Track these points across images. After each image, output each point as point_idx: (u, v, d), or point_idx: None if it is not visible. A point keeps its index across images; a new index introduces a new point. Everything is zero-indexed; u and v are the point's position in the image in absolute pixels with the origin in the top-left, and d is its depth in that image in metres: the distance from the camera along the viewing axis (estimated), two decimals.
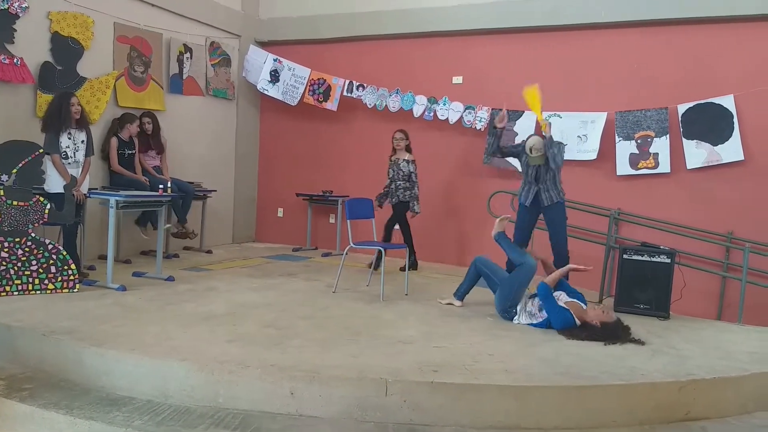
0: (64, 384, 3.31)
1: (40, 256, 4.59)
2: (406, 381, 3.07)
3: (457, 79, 7.19)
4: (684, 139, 6.14)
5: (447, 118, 7.04)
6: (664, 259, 4.92)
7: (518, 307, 4.41)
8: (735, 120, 5.94)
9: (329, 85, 7.55)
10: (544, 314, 4.26)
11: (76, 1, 5.89)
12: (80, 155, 5.16)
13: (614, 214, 6.21)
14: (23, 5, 5.40)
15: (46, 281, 4.62)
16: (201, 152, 7.52)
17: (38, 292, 4.58)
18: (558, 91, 6.66)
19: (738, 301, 5.48)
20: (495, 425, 3.05)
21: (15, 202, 4.51)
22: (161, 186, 5.55)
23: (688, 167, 6.14)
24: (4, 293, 4.44)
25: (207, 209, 7.23)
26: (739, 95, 5.93)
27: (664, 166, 6.20)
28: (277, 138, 8.28)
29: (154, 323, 3.92)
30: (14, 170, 4.69)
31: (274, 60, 7.73)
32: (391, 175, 6.39)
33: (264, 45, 8.09)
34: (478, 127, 6.89)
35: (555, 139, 5.02)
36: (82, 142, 5.18)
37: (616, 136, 6.35)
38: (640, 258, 4.98)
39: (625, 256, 5.04)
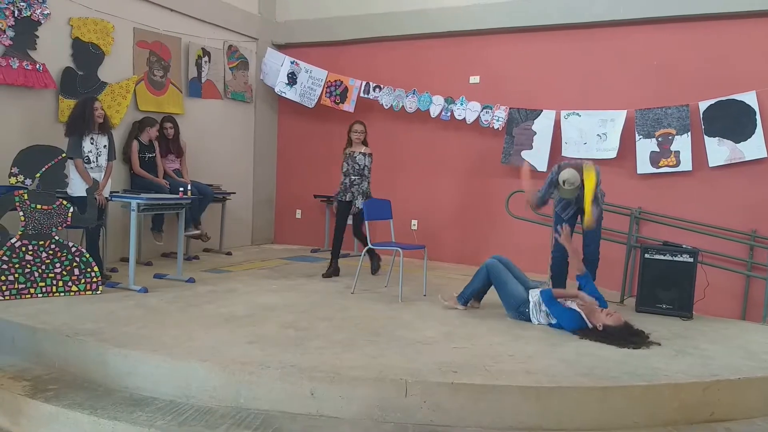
0: (87, 385, 3.36)
1: (63, 258, 4.66)
2: (426, 382, 3.07)
3: (474, 79, 7.16)
4: (706, 137, 6.06)
5: (464, 118, 7.02)
6: (686, 258, 4.85)
7: (530, 305, 4.37)
8: (757, 116, 5.84)
9: (346, 86, 7.57)
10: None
11: (97, 7, 5.98)
12: (102, 160, 5.23)
13: (635, 213, 6.14)
14: (45, 12, 5.49)
15: (70, 283, 4.69)
16: (220, 155, 7.58)
17: (62, 294, 4.65)
18: (577, 89, 6.62)
19: (762, 300, 5.40)
20: (516, 426, 3.03)
21: (39, 206, 4.59)
22: (181, 189, 5.61)
23: (710, 165, 6.05)
24: (29, 295, 4.52)
25: (226, 211, 7.29)
26: (762, 91, 5.83)
27: (686, 164, 6.12)
28: (295, 140, 8.32)
29: (175, 325, 3.96)
30: (38, 174, 4.78)
31: (292, 62, 7.78)
32: (346, 170, 5.95)
33: (281, 48, 8.14)
34: (495, 127, 6.86)
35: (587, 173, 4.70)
36: (105, 146, 5.25)
37: (637, 134, 6.28)
38: (662, 257, 4.92)
39: (646, 256, 4.97)
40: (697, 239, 5.81)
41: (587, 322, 4.06)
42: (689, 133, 6.09)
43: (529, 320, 4.39)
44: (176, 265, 5.63)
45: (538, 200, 4.98)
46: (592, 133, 6.43)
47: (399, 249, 5.22)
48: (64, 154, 4.94)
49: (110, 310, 4.28)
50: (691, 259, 4.84)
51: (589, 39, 6.60)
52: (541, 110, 6.66)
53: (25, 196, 4.54)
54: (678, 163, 6.15)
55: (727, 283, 5.85)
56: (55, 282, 4.63)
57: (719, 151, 6.02)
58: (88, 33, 5.90)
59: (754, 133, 5.87)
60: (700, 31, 6.13)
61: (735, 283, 5.92)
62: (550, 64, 6.76)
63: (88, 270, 4.75)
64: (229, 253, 7.19)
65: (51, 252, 4.62)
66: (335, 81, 7.63)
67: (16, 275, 4.46)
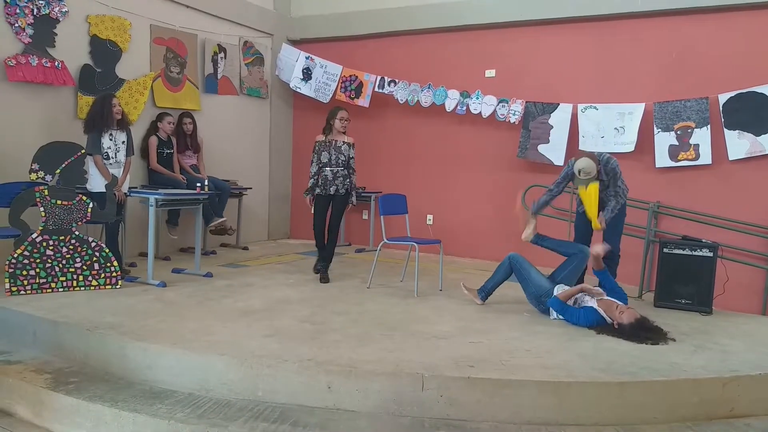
0: (108, 377, 3.41)
1: (83, 253, 4.72)
2: (442, 376, 3.07)
3: (490, 73, 7.12)
4: (725, 130, 5.97)
5: (480, 112, 6.99)
6: (706, 252, 4.80)
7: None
8: None
9: (361, 81, 7.57)
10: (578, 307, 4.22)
11: (114, 5, 6.03)
12: (121, 155, 5.28)
13: (653, 207, 6.08)
14: (63, 10, 5.55)
15: (90, 278, 4.75)
16: (236, 150, 7.62)
17: (82, 288, 4.71)
18: (594, 82, 6.56)
19: None
20: (533, 421, 3.02)
21: (59, 202, 4.64)
22: (198, 184, 5.65)
23: (730, 158, 5.97)
24: (50, 290, 4.58)
25: (243, 207, 7.33)
26: None
27: (705, 158, 6.04)
28: (310, 135, 8.21)
29: (194, 318, 4.00)
30: (58, 171, 4.84)
31: (306, 58, 7.79)
32: (327, 160, 5.35)
33: (296, 43, 8.15)
34: (512, 121, 6.82)
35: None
36: (123, 142, 5.30)
37: (655, 128, 6.21)
38: (681, 252, 4.87)
39: (665, 250, 4.92)
40: (717, 234, 5.74)
41: (606, 317, 4.04)
42: (708, 126, 6.01)
43: (548, 313, 4.38)
44: (194, 259, 5.68)
45: (540, 205, 4.92)
46: (610, 127, 6.37)
47: (414, 244, 5.21)
48: (83, 151, 5.00)
49: (130, 304, 4.33)
50: (711, 254, 4.78)
51: (606, 31, 6.53)
52: (558, 104, 6.61)
53: (46, 192, 4.60)
54: (697, 157, 6.08)
55: (747, 278, 5.77)
56: (75, 276, 4.69)
57: (739, 144, 5.93)
58: (105, 30, 5.96)
59: None
60: (719, 23, 6.04)
61: (755, 278, 5.84)
62: (566, 57, 6.70)
63: (108, 265, 4.81)
64: (245, 248, 7.24)
65: (71, 247, 4.68)
66: (350, 76, 7.63)
67: (37, 270, 4.53)
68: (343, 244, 7.88)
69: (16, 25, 5.22)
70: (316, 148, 5.44)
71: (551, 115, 6.65)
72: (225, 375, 3.22)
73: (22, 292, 4.46)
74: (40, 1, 5.36)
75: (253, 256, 6.78)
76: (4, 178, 4.96)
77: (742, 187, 5.95)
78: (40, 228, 4.58)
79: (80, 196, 4.77)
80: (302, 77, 7.81)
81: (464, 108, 7.07)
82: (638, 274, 5.58)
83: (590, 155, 4.60)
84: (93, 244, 4.77)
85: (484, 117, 6.97)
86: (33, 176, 4.82)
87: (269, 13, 7.97)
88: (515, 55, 6.97)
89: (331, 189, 5.38)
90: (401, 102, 7.41)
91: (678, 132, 6.14)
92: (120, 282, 4.86)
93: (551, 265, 4.76)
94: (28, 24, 5.29)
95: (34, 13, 5.33)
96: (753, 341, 3.98)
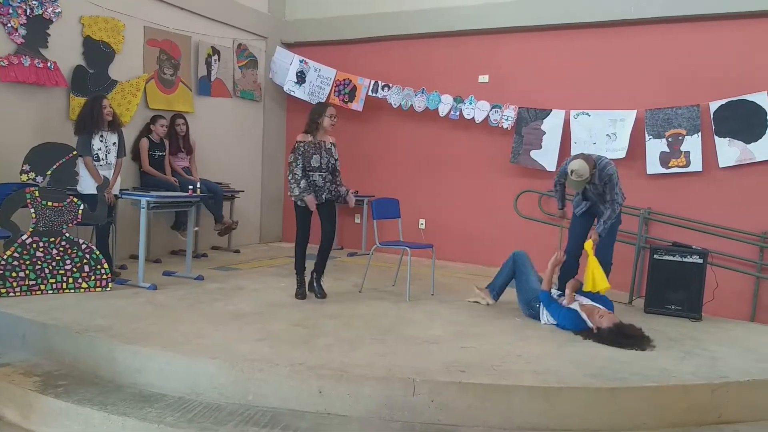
0: (97, 381, 3.38)
1: (74, 255, 4.69)
2: (433, 381, 3.07)
3: (483, 78, 7.15)
4: (716, 137, 6.02)
5: (473, 117, 7.01)
6: (696, 259, 4.83)
7: (542, 303, 4.38)
8: None
9: (355, 85, 7.58)
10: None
11: (108, 6, 6.01)
12: (112, 157, 5.26)
13: (644, 213, 6.11)
14: (56, 10, 5.52)
15: (80, 280, 4.72)
16: (229, 153, 7.61)
17: (72, 290, 4.68)
18: (586, 89, 6.60)
19: None
20: (523, 426, 3.03)
21: (50, 203, 4.62)
22: (191, 187, 5.64)
23: (721, 166, 6.02)
24: (39, 292, 4.55)
25: (235, 209, 7.31)
26: None
27: (696, 165, 6.09)
28: None
29: (184, 321, 3.99)
30: (49, 172, 4.81)
31: (300, 61, 7.79)
32: (318, 164, 4.77)
33: (290, 46, 8.15)
34: (504, 126, 6.85)
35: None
36: (114, 144, 5.28)
37: (646, 135, 6.25)
38: (671, 258, 4.90)
39: (655, 257, 4.96)
40: (707, 240, 5.78)
41: (587, 321, 4.06)
42: (699, 134, 6.06)
43: (538, 318, 4.40)
44: (185, 262, 5.65)
45: (559, 199, 5.01)
46: (602, 133, 6.41)
47: (407, 248, 5.22)
48: (75, 152, 4.97)
49: (120, 306, 4.30)
50: (701, 261, 4.81)
51: (599, 38, 6.57)
52: (551, 110, 6.64)
53: (36, 194, 4.58)
54: (688, 164, 6.12)
55: (736, 285, 5.82)
56: (65, 279, 4.66)
57: (729, 151, 5.98)
58: (99, 31, 5.94)
59: (764, 133, 5.82)
60: (711, 31, 6.10)
61: (744, 284, 5.88)
62: (559, 63, 6.74)
63: (98, 267, 4.78)
64: (237, 251, 7.22)
65: (61, 249, 4.65)
66: (344, 80, 7.64)
67: (27, 272, 4.50)
68: (336, 248, 7.86)
69: (9, 25, 5.19)
70: (302, 149, 4.76)
71: (544, 121, 6.68)
72: (215, 379, 3.20)
73: (11, 293, 4.42)
74: (34, 2, 5.33)
75: (245, 260, 6.76)
76: None
77: (731, 194, 6.00)
78: (31, 229, 4.55)
79: (71, 197, 4.75)
80: (296, 80, 7.81)
81: (457, 113, 7.09)
82: (629, 280, 5.60)
83: (586, 157, 4.53)
84: (83, 246, 4.74)
85: (477, 122, 7.00)
86: (24, 177, 4.78)
87: (263, 16, 7.97)
88: (508, 61, 7.00)
89: (323, 196, 4.88)
90: (395, 106, 7.42)
91: (669, 139, 6.18)
92: (110, 284, 4.84)
93: (542, 270, 4.76)
94: (21, 24, 5.27)
95: (27, 14, 5.31)
96: (742, 348, 4.01)
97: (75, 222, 4.74)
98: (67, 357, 3.63)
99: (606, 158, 4.70)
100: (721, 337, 4.25)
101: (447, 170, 7.39)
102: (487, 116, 6.94)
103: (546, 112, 6.67)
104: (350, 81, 7.60)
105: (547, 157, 6.64)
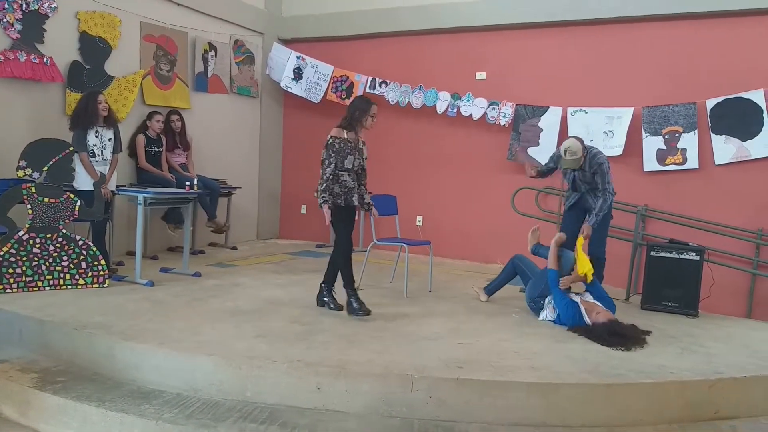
0: (95, 377, 3.38)
1: (71, 251, 4.68)
2: (431, 377, 3.08)
3: (481, 75, 7.15)
4: (712, 135, 6.04)
5: (471, 114, 7.01)
6: (692, 256, 4.85)
7: (546, 300, 4.40)
8: (764, 115, 5.80)
9: (352, 82, 7.57)
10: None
11: (104, 1, 5.98)
12: (108, 153, 5.24)
13: (641, 210, 6.13)
14: (53, 5, 5.49)
15: (77, 276, 4.71)
16: (226, 149, 7.59)
17: (69, 287, 4.67)
18: (583, 86, 6.60)
19: None
20: (521, 422, 3.04)
21: (46, 199, 4.60)
22: (188, 183, 5.63)
23: (717, 163, 6.04)
24: (36, 288, 4.54)
25: (232, 206, 7.30)
26: None
27: (692, 162, 6.11)
28: (301, 135, 8.32)
29: (182, 318, 3.98)
30: (45, 168, 4.79)
31: (297, 57, 7.77)
32: (351, 165, 4.40)
33: (287, 42, 8.13)
34: (502, 123, 6.85)
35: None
36: (110, 139, 5.26)
37: (643, 132, 6.26)
38: (668, 255, 4.92)
39: (652, 254, 4.97)
40: (703, 237, 5.80)
41: (585, 318, 4.07)
42: (696, 131, 6.08)
43: (537, 313, 4.41)
44: (182, 259, 5.65)
45: (541, 170, 5.11)
46: (599, 130, 6.42)
47: (404, 245, 5.22)
48: (71, 148, 4.96)
49: (117, 303, 4.30)
50: (698, 257, 4.83)
51: (596, 36, 6.57)
52: (548, 107, 6.65)
53: (33, 190, 4.56)
54: (684, 161, 6.14)
55: (733, 282, 5.84)
56: (62, 275, 4.65)
57: (726, 149, 6.00)
58: (95, 27, 5.91)
59: (761, 131, 5.84)
60: (707, 29, 6.10)
61: (741, 281, 5.91)
62: (557, 60, 6.74)
63: (95, 263, 4.77)
64: (234, 248, 7.21)
65: (58, 245, 4.64)
66: (341, 76, 7.63)
67: (24, 268, 4.49)
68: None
69: (5, 20, 5.16)
70: (337, 146, 4.35)
71: (541, 118, 6.69)
72: (213, 375, 3.20)
73: (8, 290, 4.41)
74: None
75: (242, 256, 6.76)
76: None
77: (728, 191, 6.02)
78: (27, 226, 4.53)
79: (68, 193, 4.74)
80: (293, 77, 7.79)
81: (455, 110, 7.09)
82: (625, 277, 5.62)
83: (579, 138, 4.68)
84: (80, 243, 4.73)
85: (475, 119, 7.00)
86: (20, 173, 4.77)
87: (260, 12, 7.95)
88: (506, 58, 7.00)
89: (354, 199, 4.44)
90: (392, 103, 7.41)
91: (666, 136, 6.20)
92: (107, 281, 4.83)
93: (539, 266, 4.78)
94: (17, 19, 5.24)
95: (23, 9, 5.28)
96: (738, 344, 4.03)
97: (72, 218, 4.73)
98: (64, 353, 3.62)
99: (596, 148, 4.84)
100: (718, 334, 4.27)
101: (444, 167, 7.39)
102: (485, 113, 6.94)
103: (543, 110, 6.68)
104: (347, 77, 7.59)
105: (544, 154, 6.61)
